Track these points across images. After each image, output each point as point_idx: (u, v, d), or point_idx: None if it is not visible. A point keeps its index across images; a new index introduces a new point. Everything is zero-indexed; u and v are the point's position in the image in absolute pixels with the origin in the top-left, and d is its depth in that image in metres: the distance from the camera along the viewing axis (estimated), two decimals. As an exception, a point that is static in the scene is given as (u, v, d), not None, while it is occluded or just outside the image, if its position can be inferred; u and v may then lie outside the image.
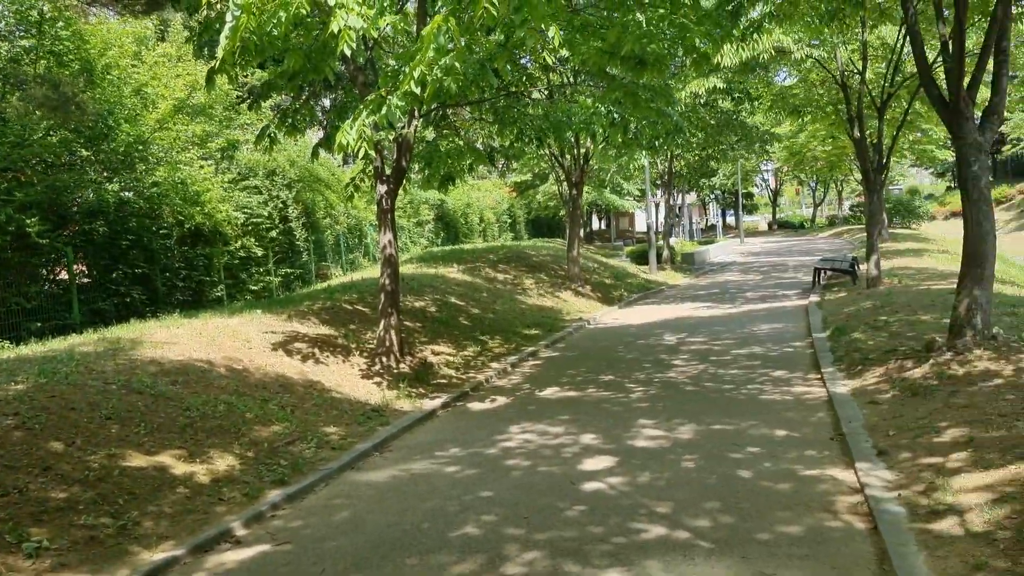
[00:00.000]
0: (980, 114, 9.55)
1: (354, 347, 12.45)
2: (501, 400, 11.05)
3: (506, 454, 8.23)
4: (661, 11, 9.41)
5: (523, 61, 18.00)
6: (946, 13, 10.52)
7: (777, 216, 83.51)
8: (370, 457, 8.49)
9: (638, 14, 9.47)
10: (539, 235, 47.37)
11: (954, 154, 9.52)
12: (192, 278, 17.38)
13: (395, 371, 11.72)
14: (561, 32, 8.53)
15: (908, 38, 10.34)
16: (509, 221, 45.75)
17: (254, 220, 19.70)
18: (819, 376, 10.85)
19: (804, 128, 40.98)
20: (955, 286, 17.38)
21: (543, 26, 7.89)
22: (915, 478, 6.22)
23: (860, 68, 19.07)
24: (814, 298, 19.75)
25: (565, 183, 24.63)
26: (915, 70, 20.16)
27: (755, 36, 14.13)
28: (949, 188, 79.96)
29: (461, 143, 16.38)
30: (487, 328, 16.27)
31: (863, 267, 23.21)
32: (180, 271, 17.06)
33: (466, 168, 17.19)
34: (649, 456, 7.78)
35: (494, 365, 13.42)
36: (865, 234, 48.04)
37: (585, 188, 45.18)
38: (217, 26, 9.42)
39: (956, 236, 52.75)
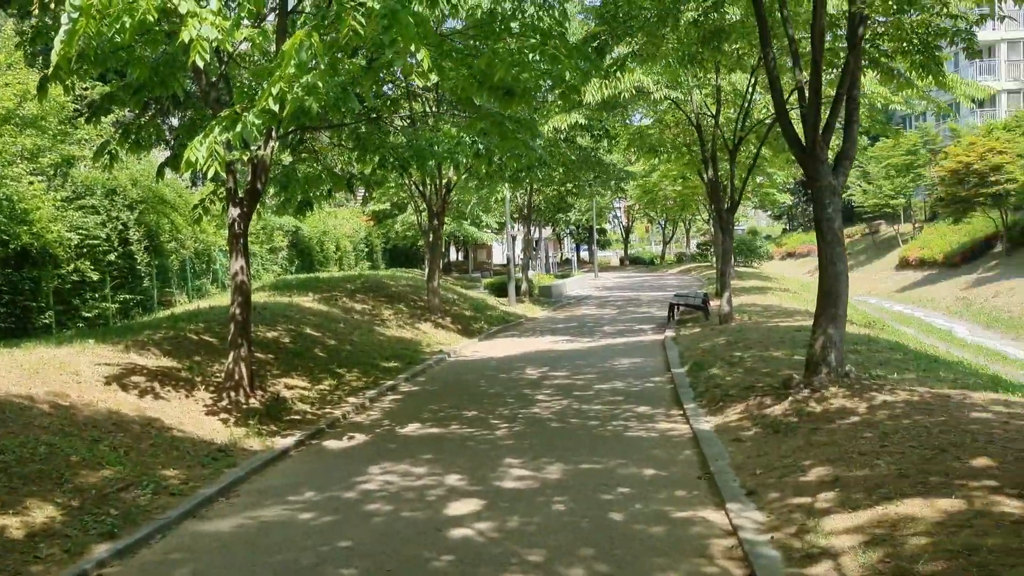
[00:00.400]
0: (833, 158, 9.92)
1: (199, 381, 11.56)
2: (360, 438, 10.48)
3: (366, 498, 7.71)
4: (532, 41, 9.30)
5: (386, 89, 17.63)
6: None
7: (629, 252, 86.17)
8: (215, 503, 7.76)
9: (509, 42, 9.33)
10: (397, 264, 46.86)
11: (810, 197, 9.81)
12: (16, 303, 15.84)
13: (244, 406, 10.93)
14: (431, 57, 8.23)
15: (768, 83, 10.67)
16: (366, 250, 45.10)
17: (90, 242, 18.24)
18: (682, 412, 10.90)
19: (657, 168, 42.47)
20: (801, 323, 18.21)
21: (412, 48, 7.57)
22: (786, 519, 6.18)
23: (714, 111, 19.82)
24: (670, 333, 20.18)
25: (425, 213, 24.25)
26: (763, 117, 21.21)
27: (618, 74, 14.34)
28: (785, 230, 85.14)
29: (320, 168, 15.79)
30: (344, 360, 15.61)
31: (715, 303, 24.01)
32: (2, 295, 15.52)
33: (324, 194, 16.60)
34: (518, 498, 7.46)
35: (352, 400, 12.81)
36: (713, 271, 50.15)
37: (445, 219, 45.30)
38: (52, 32, 8.57)
39: (793, 275, 55.96)
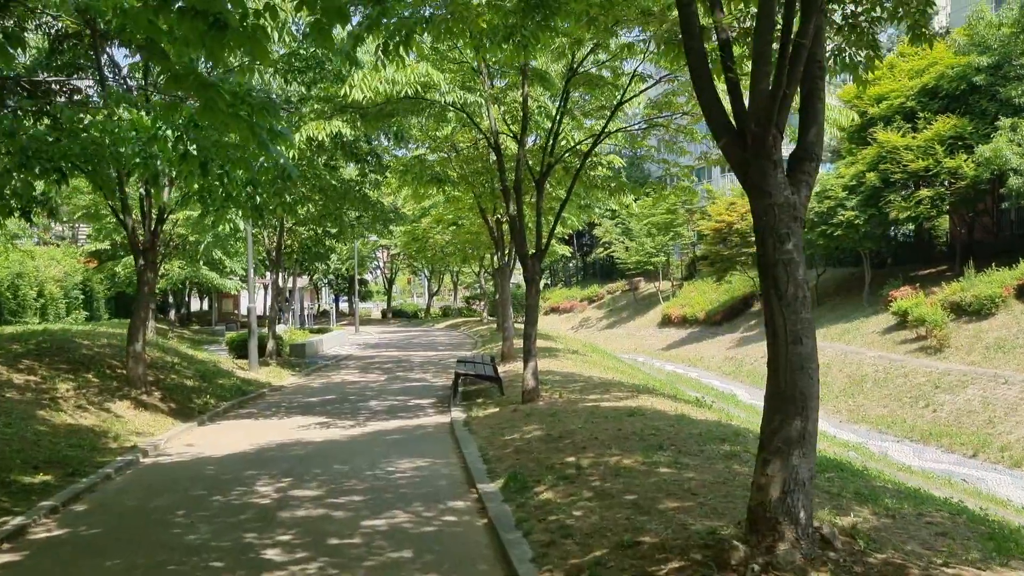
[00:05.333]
0: (787, 160, 5.86)
1: None
2: None
3: None
4: None
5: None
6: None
7: (392, 304, 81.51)
8: None
9: None
10: (125, 315, 39.54)
11: (753, 223, 5.62)
12: None
13: None
14: None
15: (681, 29, 6.40)
16: (83, 297, 37.66)
17: None
18: (523, 599, 6.19)
19: (428, 212, 38.43)
20: (628, 403, 14.18)
21: None
22: None
23: (518, 131, 15.58)
24: (457, 413, 15.48)
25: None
26: (566, 145, 17.42)
27: (400, 52, 9.66)
28: (547, 285, 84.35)
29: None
30: (-51, 479, 9.54)
31: (502, 369, 19.87)
32: None
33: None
34: None
35: (-85, 574, 6.97)
36: (483, 327, 46.51)
37: (177, 262, 38.51)
38: None
39: (560, 330, 53.48)
